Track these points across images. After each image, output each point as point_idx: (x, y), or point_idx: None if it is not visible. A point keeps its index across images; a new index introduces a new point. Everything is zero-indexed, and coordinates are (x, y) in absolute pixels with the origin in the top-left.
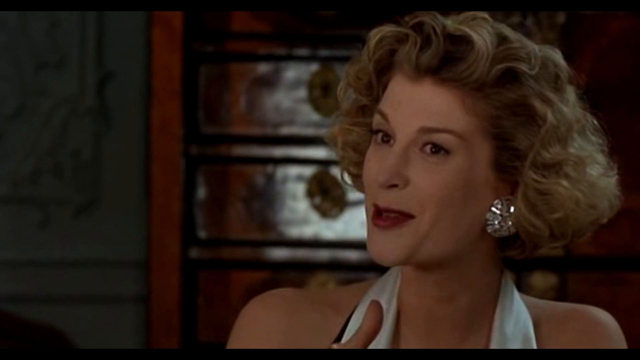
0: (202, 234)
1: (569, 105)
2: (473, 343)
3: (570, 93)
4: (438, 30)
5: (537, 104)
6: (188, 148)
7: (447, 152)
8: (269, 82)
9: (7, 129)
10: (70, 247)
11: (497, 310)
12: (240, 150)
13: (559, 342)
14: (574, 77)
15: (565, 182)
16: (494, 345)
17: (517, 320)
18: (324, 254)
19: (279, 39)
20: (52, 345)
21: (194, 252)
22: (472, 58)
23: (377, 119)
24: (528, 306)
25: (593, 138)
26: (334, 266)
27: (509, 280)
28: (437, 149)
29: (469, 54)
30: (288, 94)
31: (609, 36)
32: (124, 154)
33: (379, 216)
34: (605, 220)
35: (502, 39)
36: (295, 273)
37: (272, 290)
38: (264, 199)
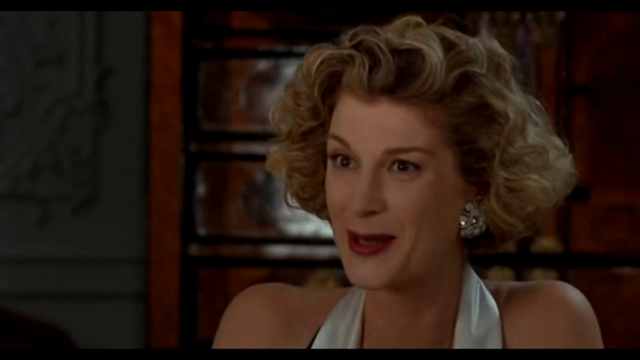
0: (201, 231)
1: (516, 94)
2: None
3: (512, 79)
4: (384, 48)
5: (495, 102)
6: (187, 145)
7: (417, 167)
8: (268, 79)
9: (6, 125)
10: (70, 244)
11: (459, 318)
12: (240, 147)
13: (525, 325)
14: (514, 61)
15: (535, 176)
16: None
17: (482, 315)
18: (324, 251)
19: (279, 35)
20: (52, 342)
21: (194, 249)
22: (427, 71)
23: (333, 145)
24: (492, 294)
25: (538, 119)
26: (334, 263)
27: (471, 273)
28: (406, 165)
29: (423, 68)
30: None
31: (609, 32)
32: (123, 150)
33: (357, 243)
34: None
35: (447, 44)
36: (295, 270)
37: (256, 285)
38: (264, 196)
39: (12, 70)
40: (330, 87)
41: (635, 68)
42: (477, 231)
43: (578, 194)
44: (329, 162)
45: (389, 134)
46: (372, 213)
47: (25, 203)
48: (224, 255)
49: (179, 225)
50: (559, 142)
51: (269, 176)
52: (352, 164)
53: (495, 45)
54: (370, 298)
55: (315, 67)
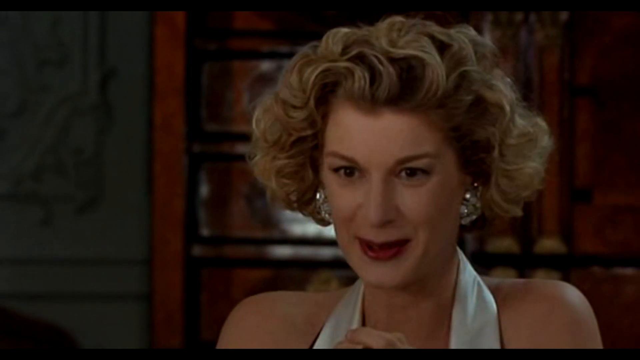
0: (204, 231)
1: (499, 80)
2: (435, 345)
3: (493, 66)
4: (383, 59)
5: (489, 95)
6: (191, 145)
7: (426, 171)
8: (272, 80)
9: (9, 126)
10: (73, 245)
11: (455, 308)
12: (243, 148)
13: (523, 323)
14: (490, 46)
15: (532, 163)
16: (453, 343)
17: (479, 308)
18: (327, 252)
19: (282, 36)
20: (55, 343)
21: (197, 250)
22: (429, 79)
23: (337, 162)
24: (491, 289)
25: (517, 100)
26: (337, 264)
27: (467, 265)
28: (415, 171)
29: (424, 76)
30: None
31: (612, 33)
32: (126, 151)
33: (371, 249)
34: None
35: (439, 45)
36: (298, 271)
37: (254, 295)
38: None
39: (15, 71)
40: (321, 97)
41: (638, 69)
42: (474, 216)
43: (581, 195)
44: (330, 174)
45: (397, 144)
46: (388, 222)
47: (28, 203)
48: (227, 256)
49: (182, 225)
50: (537, 119)
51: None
52: (357, 174)
53: (473, 33)
54: (370, 291)
55: (311, 79)
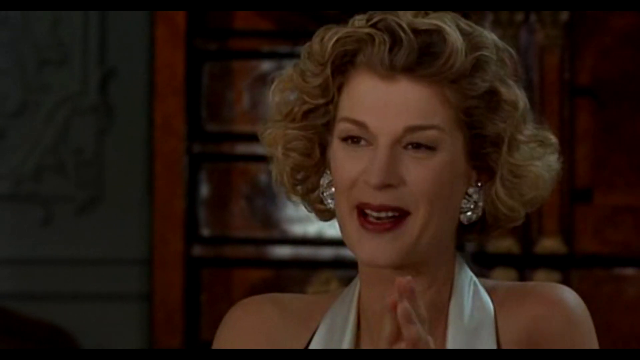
0: (205, 231)
1: (516, 89)
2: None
3: (511, 75)
4: (405, 27)
5: (504, 90)
6: (191, 146)
7: (433, 146)
8: (272, 80)
9: (9, 126)
10: (73, 245)
11: (452, 304)
12: (243, 148)
13: (520, 325)
14: (514, 58)
15: (537, 162)
16: (450, 339)
17: (475, 308)
18: (327, 252)
19: (282, 36)
20: (55, 343)
21: (197, 250)
22: (448, 51)
23: (348, 127)
24: (488, 291)
25: (531, 117)
26: (337, 264)
27: (464, 265)
28: (422, 144)
29: (444, 47)
30: None
31: (613, 33)
32: (126, 151)
33: (367, 220)
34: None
35: (461, 29)
36: (299, 271)
37: (250, 297)
38: (267, 197)
39: (16, 71)
40: (339, 67)
41: (638, 69)
42: (474, 216)
43: (581, 195)
44: (338, 142)
45: (409, 111)
46: (389, 186)
47: (28, 203)
48: (227, 256)
49: (183, 226)
50: (552, 136)
51: (272, 177)
52: (363, 142)
53: (497, 39)
54: (366, 285)
55: (331, 44)
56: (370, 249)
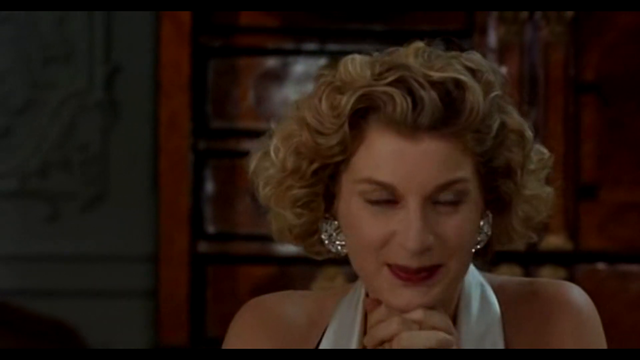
0: (210, 228)
1: (513, 108)
2: None
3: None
4: (424, 82)
5: (511, 122)
6: (196, 142)
7: (460, 197)
8: (277, 76)
9: (15, 122)
10: (79, 242)
11: (460, 308)
12: (248, 145)
13: (528, 325)
14: (504, 76)
15: (548, 188)
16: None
17: (483, 311)
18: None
19: (288, 33)
20: (61, 340)
21: (203, 247)
22: (469, 105)
23: (374, 189)
24: (495, 290)
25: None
26: (342, 260)
27: (472, 271)
28: (450, 197)
29: (465, 99)
30: (296, 88)
31: (618, 30)
32: (132, 148)
33: (403, 273)
34: None
35: (470, 70)
36: (304, 267)
37: (258, 297)
38: None
39: (21, 68)
40: (352, 123)
41: None
42: (481, 244)
43: (586, 192)
44: (361, 202)
45: (436, 169)
46: (426, 249)
47: (34, 200)
48: (233, 253)
49: (188, 222)
50: (545, 150)
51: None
52: (386, 199)
53: (487, 62)
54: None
55: (349, 105)
56: (405, 299)
